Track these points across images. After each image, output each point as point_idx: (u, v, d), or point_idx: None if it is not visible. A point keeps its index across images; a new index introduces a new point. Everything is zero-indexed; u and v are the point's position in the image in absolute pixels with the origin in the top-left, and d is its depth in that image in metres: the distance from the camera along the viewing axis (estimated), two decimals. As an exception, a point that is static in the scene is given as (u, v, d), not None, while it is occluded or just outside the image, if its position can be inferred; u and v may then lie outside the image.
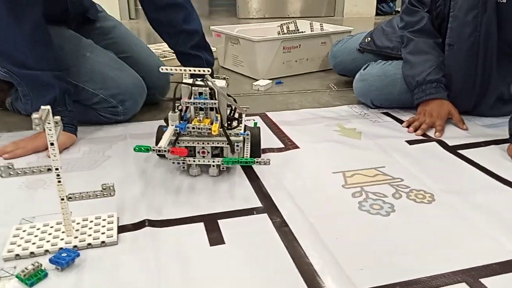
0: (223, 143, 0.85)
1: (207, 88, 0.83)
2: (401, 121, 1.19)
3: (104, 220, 0.70)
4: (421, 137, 1.08)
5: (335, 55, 1.54)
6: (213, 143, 0.85)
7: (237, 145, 0.85)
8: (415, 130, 1.11)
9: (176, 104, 0.87)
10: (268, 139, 1.05)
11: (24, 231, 0.68)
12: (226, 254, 0.65)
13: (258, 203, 0.78)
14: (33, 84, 0.98)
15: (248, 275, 0.61)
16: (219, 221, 0.73)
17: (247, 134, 0.88)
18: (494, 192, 0.83)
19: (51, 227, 0.68)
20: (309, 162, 0.95)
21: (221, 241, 0.68)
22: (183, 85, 0.84)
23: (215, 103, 0.83)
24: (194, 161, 0.86)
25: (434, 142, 1.05)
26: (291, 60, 1.68)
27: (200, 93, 0.83)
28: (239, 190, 0.83)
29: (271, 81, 1.56)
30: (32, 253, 0.63)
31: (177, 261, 0.63)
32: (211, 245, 0.67)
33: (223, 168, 0.88)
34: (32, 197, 0.79)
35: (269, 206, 0.77)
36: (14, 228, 0.68)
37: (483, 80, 1.15)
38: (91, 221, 0.70)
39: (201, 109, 0.85)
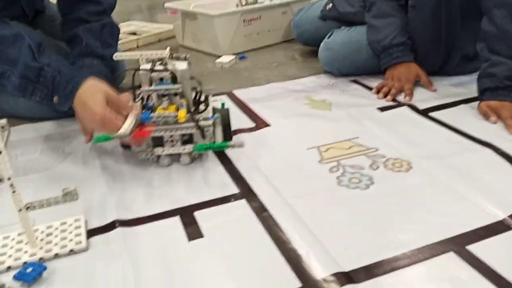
0: (192, 129, 0.80)
1: (168, 73, 0.77)
2: (370, 88, 1.17)
3: (70, 225, 0.65)
4: (391, 103, 1.07)
5: (297, 25, 1.49)
6: (181, 130, 0.80)
7: (207, 130, 0.81)
8: (385, 96, 1.10)
9: (137, 92, 0.81)
10: (237, 119, 1.01)
11: (-19, 247, 0.62)
12: (206, 248, 0.61)
13: (234, 189, 0.75)
14: None
15: (231, 268, 0.58)
16: (195, 213, 0.69)
17: (217, 118, 0.83)
18: (470, 153, 0.82)
19: (12, 239, 0.63)
20: (282, 139, 0.91)
21: (199, 235, 0.64)
22: (142, 71, 0.78)
23: (178, 88, 0.78)
24: (163, 151, 0.81)
25: (405, 107, 1.04)
26: (253, 32, 1.62)
27: (161, 79, 0.78)
28: (213, 177, 0.79)
29: (234, 56, 1.50)
30: (-7, 271, 0.58)
31: (155, 261, 0.59)
32: (189, 240, 0.63)
33: (194, 155, 0.83)
34: (-12, 208, 0.73)
35: (246, 191, 0.74)
36: (-30, 245, 0.62)
37: (448, 39, 1.14)
38: (56, 228, 0.65)
39: (164, 95, 0.79)
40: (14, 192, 0.56)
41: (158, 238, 0.64)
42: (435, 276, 0.55)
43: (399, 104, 1.06)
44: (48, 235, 0.63)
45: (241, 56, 1.54)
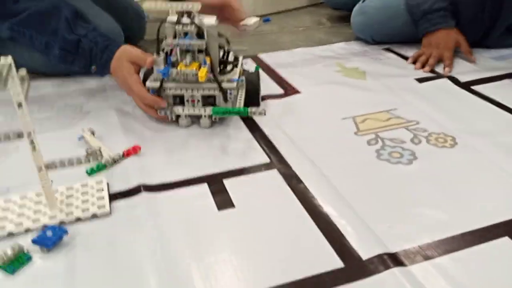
0: (213, 91, 0.75)
1: (193, 27, 0.71)
2: (405, 57, 1.10)
3: (92, 188, 0.61)
4: (430, 74, 1.00)
5: None
6: (202, 90, 0.74)
7: (230, 93, 0.75)
8: (423, 66, 1.03)
9: (162, 46, 0.75)
10: (265, 84, 0.94)
11: (-2, 206, 0.58)
12: (238, 219, 0.57)
13: (265, 158, 0.70)
14: (35, 20, 0.80)
15: (266, 242, 0.53)
16: (224, 180, 0.64)
17: (241, 80, 0.77)
18: (518, 131, 0.76)
19: (30, 199, 0.59)
20: (314, 108, 0.86)
21: (230, 204, 0.59)
22: (167, 24, 0.72)
23: (203, 44, 0.72)
24: (183, 110, 0.76)
25: (445, 79, 0.96)
26: (278, -6, 1.53)
27: (186, 33, 0.72)
28: (241, 144, 0.74)
29: (258, 18, 1.42)
30: (10, 233, 0.54)
31: (183, 230, 0.55)
32: (219, 209, 0.59)
33: (215, 119, 0.78)
34: (4, 164, 0.69)
35: (277, 161, 0.69)
36: (-15, 203, 0.58)
37: (493, 8, 1.05)
38: (77, 190, 0.60)
39: (187, 51, 0.73)
40: (34, 148, 0.52)
41: (186, 206, 0.59)
42: (491, 261, 0.50)
43: (438, 76, 0.98)
44: (68, 197, 0.59)
45: (265, 18, 1.46)
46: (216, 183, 0.64)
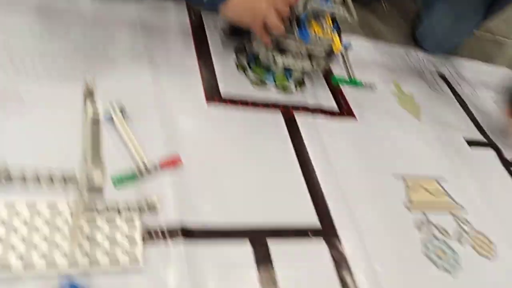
0: (324, 52, 0.77)
1: None
2: (458, 95, 1.01)
3: (122, 230, 0.48)
4: (480, 138, 0.92)
5: None
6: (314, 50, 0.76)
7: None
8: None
9: None
10: (320, 90, 0.82)
11: None
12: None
13: (314, 220, 0.61)
14: None
15: None
16: (268, 241, 0.55)
17: (349, 44, 0.84)
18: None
19: (40, 214, 0.45)
20: (367, 149, 0.75)
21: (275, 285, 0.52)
22: None
23: (346, 12, 0.74)
24: (283, 61, 0.75)
25: (491, 150, 0.90)
26: None
27: None
28: (289, 188, 0.63)
29: None
30: (17, 276, 0.42)
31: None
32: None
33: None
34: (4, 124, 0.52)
35: (326, 226, 0.61)
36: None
37: None
38: (102, 232, 0.47)
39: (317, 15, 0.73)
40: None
41: (225, 268, 0.51)
42: None
43: (488, 143, 0.91)
44: (93, 229, 0.46)
45: None
46: (260, 244, 0.54)
